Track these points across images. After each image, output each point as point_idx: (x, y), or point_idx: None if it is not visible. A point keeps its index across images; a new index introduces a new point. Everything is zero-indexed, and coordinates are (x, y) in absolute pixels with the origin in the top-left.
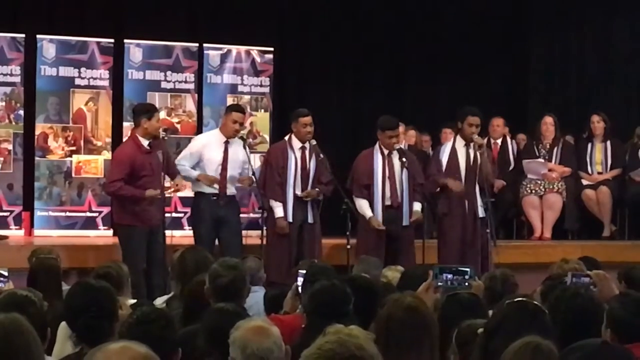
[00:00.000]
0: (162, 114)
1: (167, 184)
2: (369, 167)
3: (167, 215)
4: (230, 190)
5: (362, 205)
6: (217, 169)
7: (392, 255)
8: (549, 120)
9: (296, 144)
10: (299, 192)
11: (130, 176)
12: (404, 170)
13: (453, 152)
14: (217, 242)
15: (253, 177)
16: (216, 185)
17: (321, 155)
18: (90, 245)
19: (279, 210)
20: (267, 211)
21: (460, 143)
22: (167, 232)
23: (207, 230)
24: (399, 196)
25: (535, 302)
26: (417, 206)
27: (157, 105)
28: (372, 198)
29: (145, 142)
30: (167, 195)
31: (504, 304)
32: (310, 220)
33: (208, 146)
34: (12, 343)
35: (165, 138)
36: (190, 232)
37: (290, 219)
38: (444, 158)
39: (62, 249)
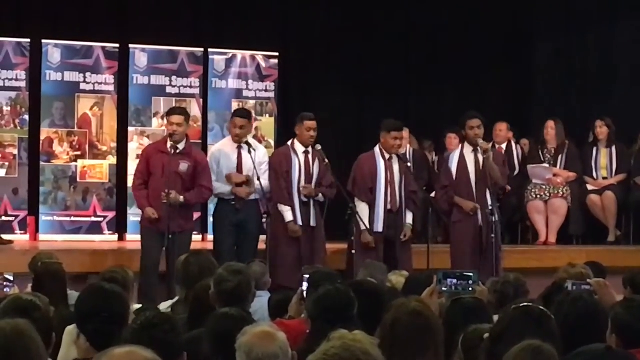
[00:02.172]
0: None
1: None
2: (372, 170)
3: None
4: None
5: (363, 211)
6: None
7: (391, 260)
8: (550, 124)
9: (299, 148)
10: (303, 198)
11: (147, 172)
12: (403, 175)
13: (462, 159)
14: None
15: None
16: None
17: (326, 161)
18: (95, 250)
19: (288, 215)
20: (270, 216)
21: (468, 149)
22: None
23: (226, 236)
24: (398, 201)
25: (542, 308)
26: (409, 217)
27: (161, 110)
28: (374, 202)
29: (169, 144)
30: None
31: (510, 309)
32: (312, 223)
33: (222, 154)
34: (13, 349)
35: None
36: (196, 237)
37: (300, 222)
38: (453, 167)
39: (67, 254)
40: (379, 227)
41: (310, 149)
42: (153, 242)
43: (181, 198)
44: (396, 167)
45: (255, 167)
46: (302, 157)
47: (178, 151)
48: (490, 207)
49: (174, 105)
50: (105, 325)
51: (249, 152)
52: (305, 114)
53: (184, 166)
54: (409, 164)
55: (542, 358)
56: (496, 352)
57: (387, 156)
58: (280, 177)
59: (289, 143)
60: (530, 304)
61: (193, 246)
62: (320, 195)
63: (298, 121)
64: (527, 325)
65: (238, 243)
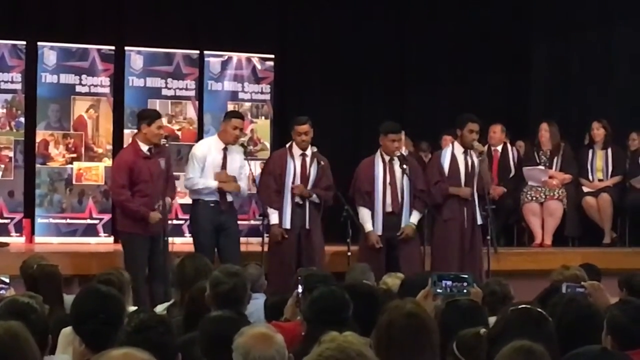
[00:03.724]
0: (163, 121)
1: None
2: (370, 174)
3: (169, 222)
4: (229, 196)
5: (364, 215)
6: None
7: (393, 262)
8: (544, 127)
9: (296, 151)
10: (298, 200)
11: (129, 182)
12: (405, 176)
13: (453, 159)
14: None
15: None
16: (216, 192)
17: (322, 162)
18: (91, 253)
19: (273, 217)
20: (267, 218)
21: (459, 150)
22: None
23: (206, 238)
24: (400, 203)
25: (539, 309)
26: (414, 217)
27: (159, 112)
28: (373, 205)
29: (144, 148)
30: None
31: (508, 310)
32: (307, 226)
33: (209, 152)
34: (8, 352)
35: (167, 145)
36: (191, 239)
37: (288, 226)
38: (445, 164)
39: (63, 256)
40: (378, 229)
41: (308, 152)
42: (143, 248)
43: (159, 216)
44: (397, 168)
45: (250, 169)
46: (298, 160)
47: (154, 151)
48: (485, 208)
49: (169, 107)
50: (102, 327)
51: (245, 153)
52: (297, 118)
53: (162, 163)
54: (404, 166)
55: (533, 358)
56: (493, 354)
57: (387, 158)
58: (271, 180)
59: (287, 145)
60: (527, 306)
61: (186, 248)
62: (315, 196)
63: (291, 126)
64: (524, 327)
65: (219, 245)
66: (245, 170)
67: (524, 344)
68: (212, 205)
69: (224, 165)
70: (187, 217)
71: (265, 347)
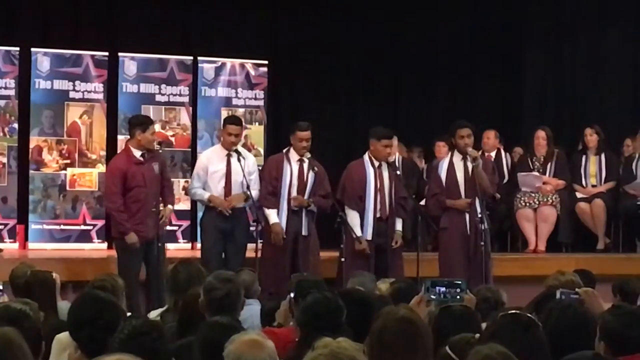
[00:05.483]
0: (157, 127)
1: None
2: (362, 178)
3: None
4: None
5: (354, 219)
6: (220, 182)
7: (381, 268)
8: (541, 134)
9: (294, 156)
10: (293, 207)
11: (123, 188)
12: (393, 182)
13: (451, 167)
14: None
15: (247, 192)
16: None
17: (315, 169)
18: (85, 259)
19: (273, 217)
20: (261, 223)
21: (457, 157)
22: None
23: (213, 244)
24: (388, 209)
25: (529, 315)
26: (398, 224)
27: (151, 118)
28: (363, 210)
29: (137, 154)
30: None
31: (498, 316)
32: (304, 232)
33: (211, 161)
34: (1, 358)
35: (160, 151)
36: (186, 245)
37: (283, 230)
38: (443, 174)
39: (56, 262)
40: (368, 234)
41: (305, 158)
42: (137, 254)
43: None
44: (386, 174)
45: (244, 176)
46: (296, 166)
47: (147, 156)
48: (479, 215)
49: (163, 113)
50: (100, 333)
51: (239, 160)
52: (299, 123)
53: (156, 168)
54: (398, 172)
55: None
56: None
57: (376, 164)
58: (268, 183)
59: (285, 150)
60: (517, 312)
61: (181, 254)
62: (313, 205)
63: (291, 131)
64: (514, 332)
65: (225, 251)
66: (255, 175)
67: (489, 354)
68: (218, 211)
69: (228, 172)
70: (181, 223)
71: (257, 353)
